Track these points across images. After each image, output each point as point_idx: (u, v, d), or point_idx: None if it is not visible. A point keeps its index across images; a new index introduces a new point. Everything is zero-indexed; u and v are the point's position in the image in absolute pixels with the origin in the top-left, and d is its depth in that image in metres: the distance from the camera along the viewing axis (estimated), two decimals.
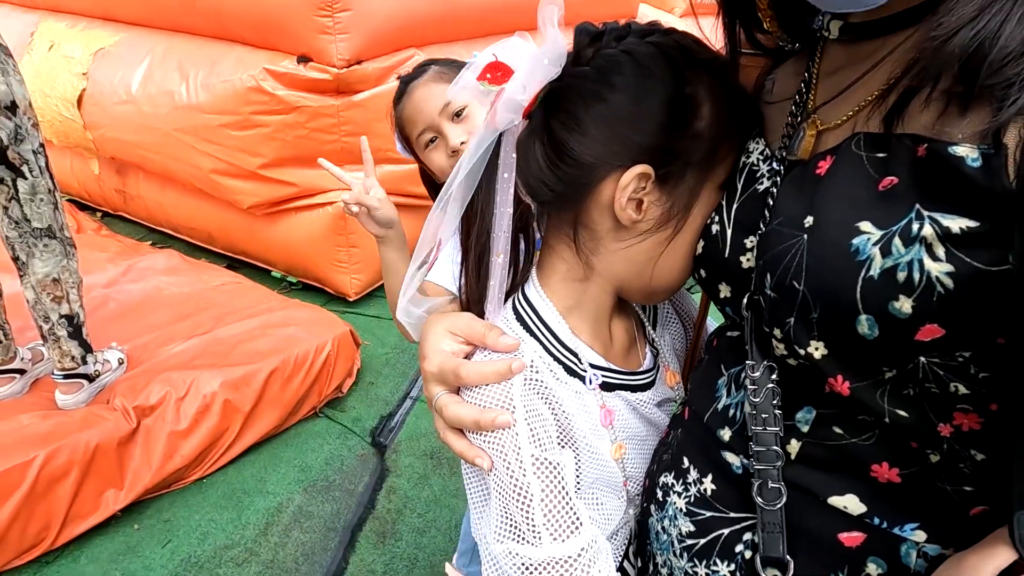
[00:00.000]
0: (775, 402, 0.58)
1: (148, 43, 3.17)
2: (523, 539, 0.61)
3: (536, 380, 0.65)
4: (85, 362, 2.07)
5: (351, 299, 3.07)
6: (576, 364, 0.71)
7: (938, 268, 0.45)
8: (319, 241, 2.95)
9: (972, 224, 0.44)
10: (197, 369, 2.19)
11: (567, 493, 0.63)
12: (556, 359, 0.69)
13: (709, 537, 0.63)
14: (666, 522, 0.68)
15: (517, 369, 0.62)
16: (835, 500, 0.56)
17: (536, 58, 0.63)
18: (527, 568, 0.60)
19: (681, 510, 0.66)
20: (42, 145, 1.92)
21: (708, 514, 0.64)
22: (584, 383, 0.71)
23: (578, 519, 0.62)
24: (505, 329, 0.70)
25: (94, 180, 3.70)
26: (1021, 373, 0.44)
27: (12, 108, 1.80)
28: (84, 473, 1.89)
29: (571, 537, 0.61)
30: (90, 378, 2.09)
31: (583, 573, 0.61)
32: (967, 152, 0.44)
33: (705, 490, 0.64)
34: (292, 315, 2.57)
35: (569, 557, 0.60)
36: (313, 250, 3.00)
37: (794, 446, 0.58)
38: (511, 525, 0.62)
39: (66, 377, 2.05)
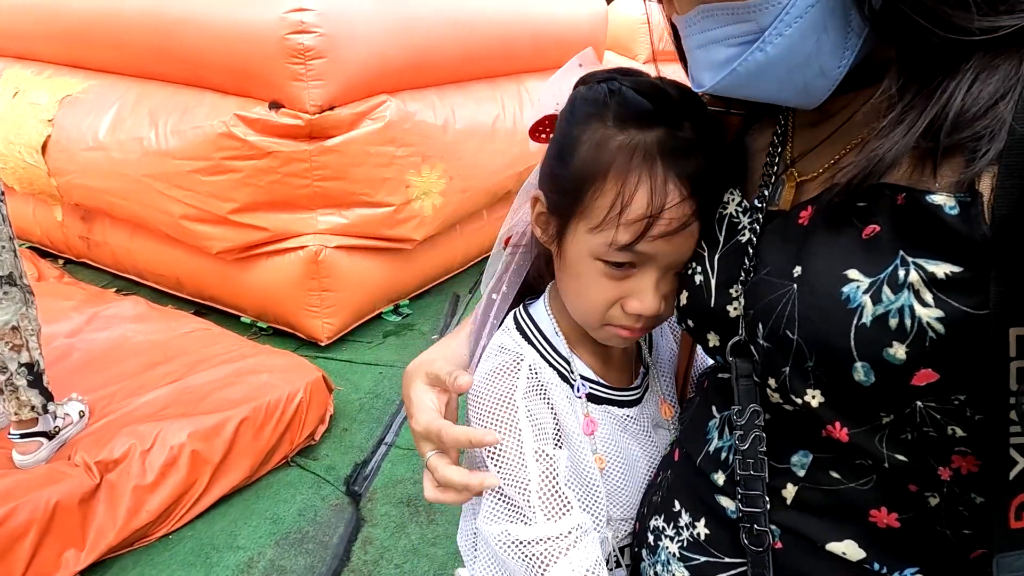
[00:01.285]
0: (761, 448, 0.59)
1: (118, 90, 3.16)
2: (518, 519, 0.68)
3: (538, 382, 0.73)
4: (46, 410, 2.01)
5: (323, 344, 3.03)
6: (568, 372, 0.76)
7: (928, 313, 0.46)
8: (291, 285, 2.93)
9: (956, 269, 0.45)
10: (165, 420, 2.13)
11: (560, 481, 0.69)
12: (550, 365, 0.76)
13: None
14: (659, 567, 0.67)
15: (491, 441, 0.68)
16: (833, 546, 0.55)
17: (546, 93, 0.75)
18: (520, 543, 0.66)
19: (674, 555, 0.65)
20: (2, 194, 1.93)
21: (702, 559, 0.63)
22: (573, 390, 0.76)
23: (569, 503, 0.69)
24: (506, 337, 0.79)
25: (57, 227, 3.63)
26: (995, 417, 0.45)
27: None
28: (43, 533, 1.80)
29: (563, 518, 0.68)
30: (49, 435, 2.02)
31: (571, 548, 0.66)
32: (944, 200, 0.46)
33: (699, 534, 0.64)
34: (264, 361, 2.52)
35: (560, 535, 0.66)
36: (284, 294, 2.96)
37: (790, 491, 0.58)
38: (508, 507, 0.69)
39: (23, 436, 1.97)
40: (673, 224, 0.62)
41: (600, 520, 0.73)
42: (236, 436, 2.17)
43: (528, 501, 0.67)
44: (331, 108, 2.67)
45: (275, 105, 2.65)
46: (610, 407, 0.77)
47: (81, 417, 2.15)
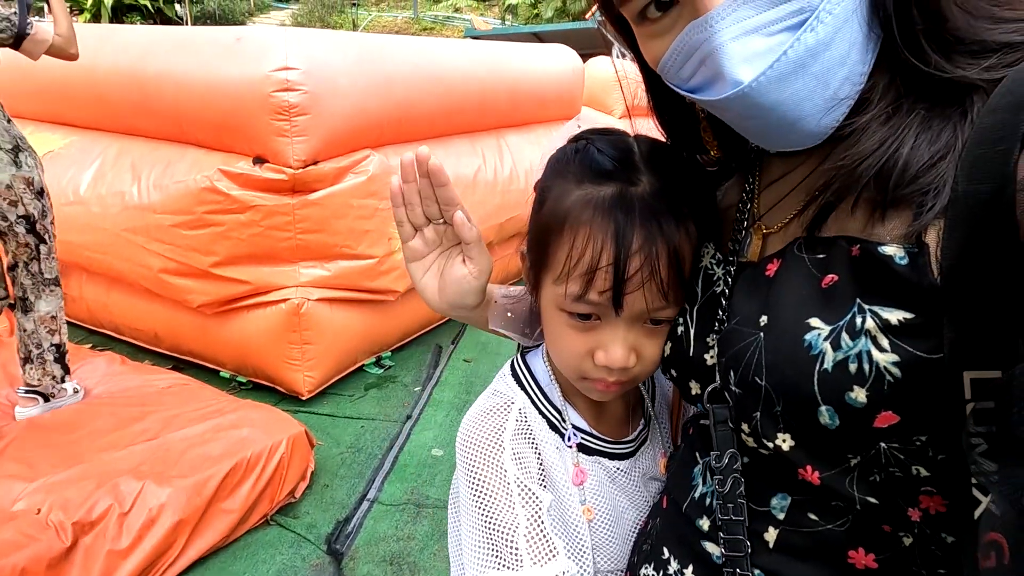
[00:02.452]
0: (740, 491, 0.60)
1: (100, 145, 3.18)
2: (504, 565, 0.67)
3: (526, 426, 0.74)
4: (63, 381, 2.57)
5: (304, 397, 2.99)
6: (559, 422, 0.77)
7: (885, 358, 0.48)
8: (271, 338, 2.90)
9: (908, 316, 0.47)
10: (144, 478, 2.06)
11: (546, 525, 0.69)
12: (541, 413, 0.77)
13: None
14: None
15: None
16: None
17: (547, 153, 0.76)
18: None
19: None
20: (54, 218, 2.54)
21: None
22: (563, 440, 0.76)
23: (555, 548, 0.68)
24: (501, 383, 0.81)
25: None
26: (956, 457, 0.47)
27: (41, 193, 2.45)
28: None
29: (549, 563, 0.67)
30: (46, 397, 2.52)
31: None
32: (895, 251, 0.49)
33: None
34: (244, 416, 2.47)
35: None
36: (265, 348, 2.93)
37: (772, 534, 0.59)
38: (493, 554, 0.68)
39: (28, 393, 2.51)
40: (625, 276, 0.63)
41: (587, 571, 0.73)
42: (215, 494, 2.11)
43: (515, 545, 0.67)
44: (315, 163, 2.71)
45: (259, 160, 2.68)
46: (601, 458, 0.78)
47: (76, 393, 2.62)
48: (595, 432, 0.78)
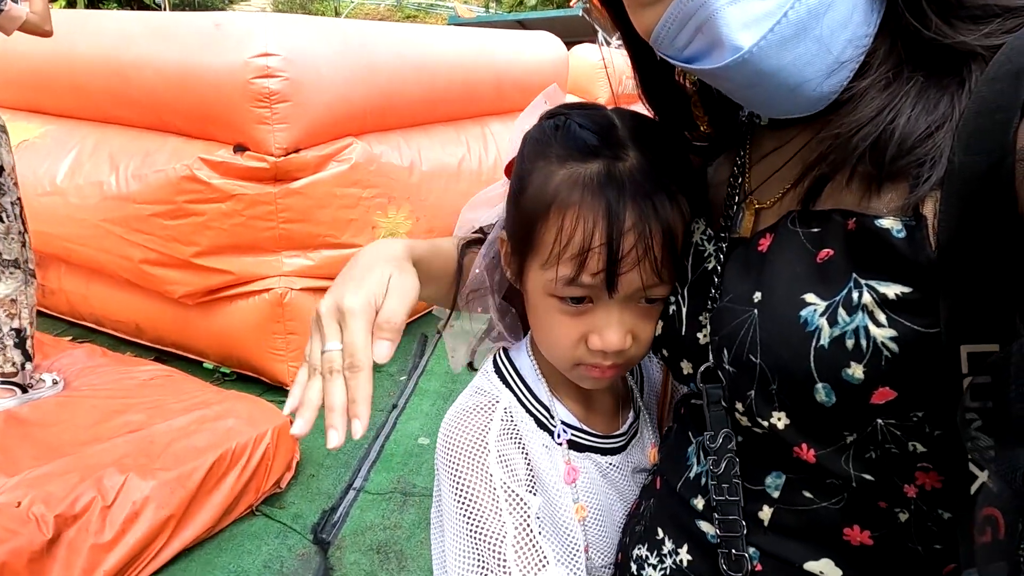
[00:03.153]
0: (735, 471, 0.60)
1: (77, 135, 3.12)
2: (493, 570, 0.64)
3: (512, 426, 0.71)
4: (24, 368, 2.51)
5: (289, 388, 2.96)
6: (547, 419, 0.74)
7: (882, 333, 0.47)
8: (255, 329, 2.87)
9: (905, 290, 0.47)
10: (127, 471, 2.04)
11: (535, 532, 0.66)
12: (528, 411, 0.74)
13: None
14: None
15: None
16: (811, 565, 0.56)
17: (515, 132, 0.74)
18: None
19: None
20: (19, 199, 2.50)
21: None
22: (552, 437, 0.73)
23: (545, 558, 0.65)
24: (484, 380, 0.77)
25: None
26: (953, 432, 0.47)
27: (0, 170, 2.41)
28: None
29: (539, 573, 0.65)
30: (24, 388, 2.50)
31: None
32: (891, 224, 0.48)
33: (681, 561, 0.64)
34: (228, 407, 2.45)
35: None
36: (249, 338, 2.91)
37: (766, 512, 0.59)
38: (479, 564, 0.65)
39: (2, 383, 2.47)
40: (619, 256, 0.61)
41: (579, 570, 0.71)
42: (200, 486, 2.10)
43: (502, 555, 0.64)
44: (296, 151, 2.67)
45: (240, 148, 2.65)
46: (592, 454, 0.75)
47: (55, 384, 2.60)
48: (585, 427, 0.76)
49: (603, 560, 0.75)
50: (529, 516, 0.67)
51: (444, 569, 0.77)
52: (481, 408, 0.73)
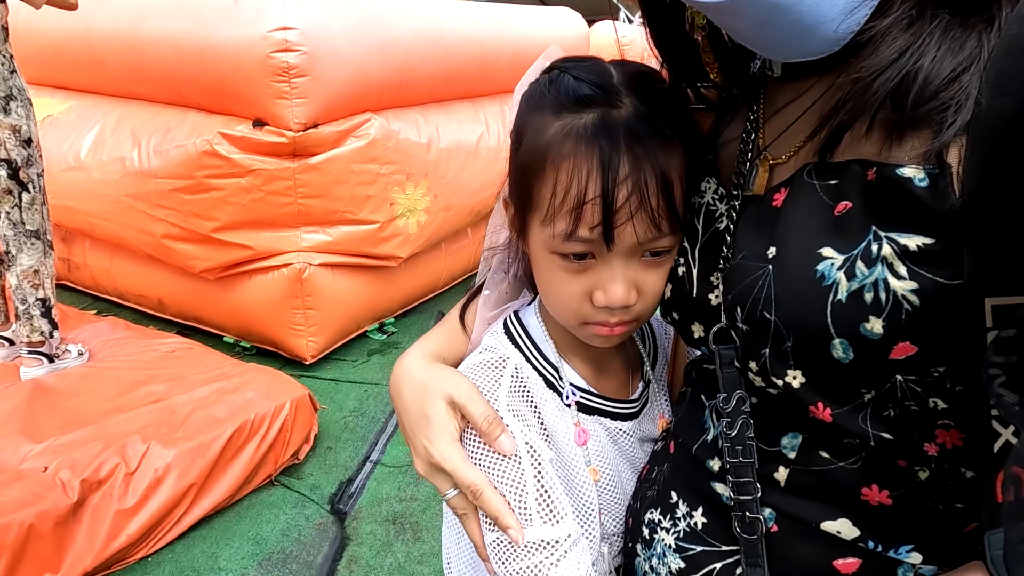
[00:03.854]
0: (749, 433, 0.59)
1: (100, 110, 3.15)
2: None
3: (522, 385, 0.70)
4: (52, 336, 2.56)
5: (308, 362, 3.00)
6: (556, 380, 0.73)
7: (902, 286, 0.46)
8: (275, 304, 2.91)
9: (927, 241, 0.45)
10: (150, 439, 2.09)
11: (555, 481, 0.67)
12: (537, 371, 0.73)
13: (700, 573, 0.62)
14: (655, 560, 0.67)
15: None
16: (828, 525, 0.55)
17: (517, 94, 0.72)
18: (514, 550, 0.64)
19: (670, 547, 0.65)
20: (43, 171, 2.56)
21: (698, 548, 0.63)
22: (561, 398, 0.72)
23: (564, 507, 0.66)
24: (493, 340, 0.75)
25: None
26: (976, 388, 0.46)
27: (28, 142, 2.47)
28: (16, 558, 1.75)
29: (559, 523, 0.65)
30: (51, 358, 2.55)
31: (563, 558, 0.64)
32: (914, 173, 0.46)
33: (695, 523, 0.63)
34: (249, 379, 2.48)
35: (555, 541, 0.64)
36: (268, 313, 2.94)
37: (782, 473, 0.58)
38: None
39: (30, 353, 2.54)
40: (615, 207, 0.59)
41: (594, 533, 0.71)
42: (220, 455, 2.14)
43: (525, 504, 0.65)
44: (315, 126, 2.68)
45: (259, 123, 2.66)
46: (602, 418, 0.74)
47: (80, 355, 2.63)
48: (594, 390, 0.75)
49: (614, 527, 0.75)
50: (547, 467, 0.67)
51: (456, 541, 0.77)
52: (491, 364, 0.72)
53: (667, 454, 0.72)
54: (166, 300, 3.26)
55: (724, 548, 0.61)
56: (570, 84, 0.63)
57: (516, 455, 0.67)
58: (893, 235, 0.47)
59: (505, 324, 0.78)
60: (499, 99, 3.90)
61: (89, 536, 1.88)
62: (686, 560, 0.63)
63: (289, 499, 2.27)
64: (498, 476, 0.66)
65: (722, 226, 0.63)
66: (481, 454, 0.68)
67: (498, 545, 0.65)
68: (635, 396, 0.78)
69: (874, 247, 0.47)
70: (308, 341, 2.96)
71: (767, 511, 0.58)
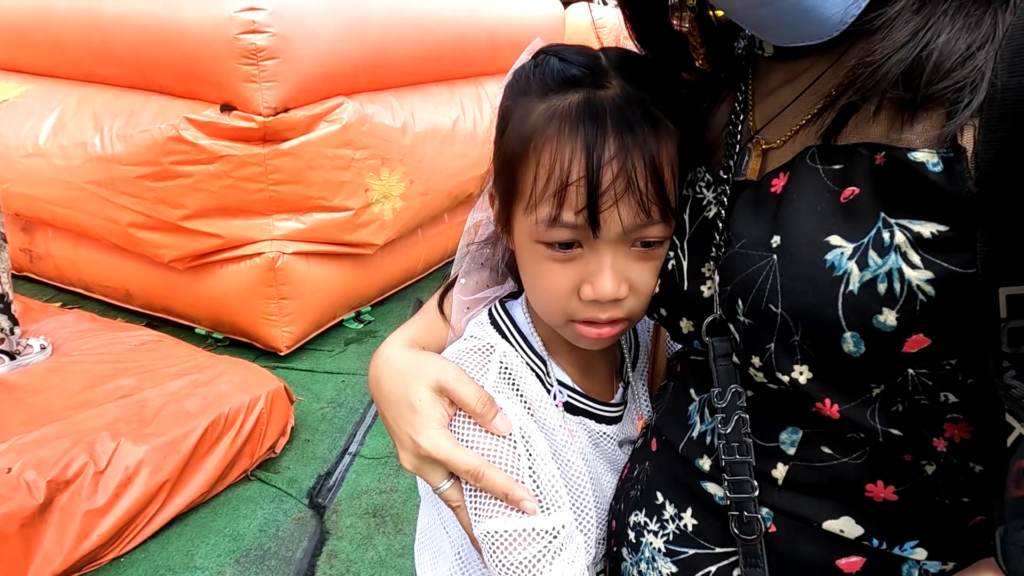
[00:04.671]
0: (745, 430, 0.56)
1: (59, 93, 3.02)
2: (507, 511, 0.61)
3: (509, 374, 0.67)
4: (12, 332, 2.46)
5: (283, 353, 2.94)
6: (543, 375, 0.70)
7: (918, 276, 0.44)
8: (247, 294, 2.83)
9: (941, 228, 0.43)
10: (120, 436, 2.02)
11: (549, 470, 0.63)
12: (525, 363, 0.70)
13: None
14: (643, 565, 0.64)
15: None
16: (830, 524, 0.53)
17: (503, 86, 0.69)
18: (505, 538, 0.60)
19: (660, 550, 0.62)
20: None
21: (691, 551, 0.60)
22: (549, 396, 0.70)
23: (560, 497, 0.63)
24: (478, 329, 0.72)
25: None
26: (989, 383, 0.44)
27: None
28: None
29: (554, 513, 0.62)
30: (11, 356, 2.43)
31: (558, 554, 0.60)
32: (927, 157, 0.44)
33: (685, 526, 0.61)
34: (222, 371, 2.42)
35: (549, 531, 0.60)
36: (241, 304, 2.87)
37: (780, 470, 0.56)
38: (493, 499, 0.61)
39: None
40: (600, 190, 0.56)
41: (589, 529, 0.68)
42: (194, 451, 2.08)
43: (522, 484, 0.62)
44: (286, 110, 2.60)
45: (227, 107, 2.57)
46: (587, 420, 0.72)
47: (43, 350, 2.51)
48: (580, 389, 0.72)
49: (598, 533, 0.72)
50: (536, 453, 0.64)
51: (433, 511, 0.74)
52: (478, 350, 0.69)
53: (649, 451, 0.69)
54: (134, 291, 3.17)
55: (719, 550, 0.59)
56: (556, 66, 0.61)
57: (511, 436, 0.63)
58: (904, 222, 0.45)
59: (491, 314, 0.74)
60: (475, 82, 3.83)
61: (57, 537, 1.82)
62: (678, 564, 0.61)
63: (266, 494, 2.23)
64: (493, 461, 0.63)
65: (711, 214, 0.60)
66: (474, 439, 0.64)
67: (490, 536, 0.61)
68: (616, 399, 0.75)
69: (885, 235, 0.45)
70: (283, 331, 2.90)
71: (764, 510, 0.56)
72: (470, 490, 0.63)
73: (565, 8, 5.19)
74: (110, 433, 2.04)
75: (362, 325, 3.32)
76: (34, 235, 3.33)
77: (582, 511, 0.68)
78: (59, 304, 3.22)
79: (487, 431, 0.63)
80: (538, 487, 0.62)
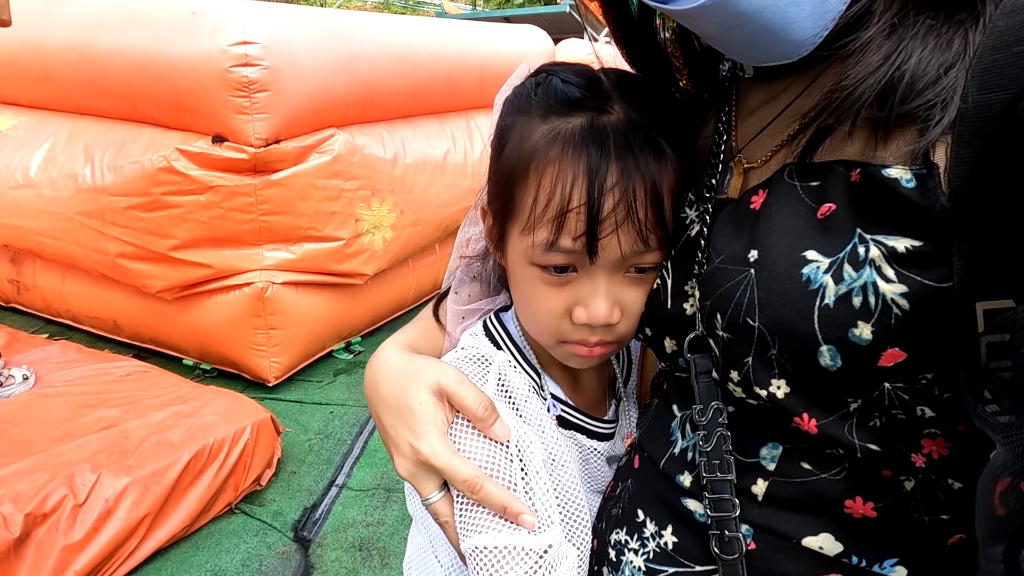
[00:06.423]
0: (726, 447, 0.56)
1: (51, 125, 3.04)
2: (495, 528, 0.59)
3: (504, 390, 0.66)
4: None
5: (271, 384, 2.91)
6: (537, 388, 0.69)
7: (892, 289, 0.44)
8: (236, 324, 2.82)
9: (916, 243, 0.44)
10: (100, 468, 1.98)
11: (543, 485, 0.61)
12: (522, 375, 0.69)
13: None
14: None
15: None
16: (809, 541, 0.53)
17: (499, 100, 0.69)
18: (495, 555, 0.58)
19: (640, 569, 0.61)
20: None
21: (671, 570, 0.59)
22: (544, 408, 0.69)
23: (551, 515, 0.61)
24: (473, 339, 0.71)
25: None
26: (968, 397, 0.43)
27: None
28: None
29: (545, 530, 0.60)
30: None
31: (548, 572, 0.58)
32: (900, 174, 0.44)
33: (666, 543, 0.60)
34: (207, 402, 2.39)
35: (537, 549, 0.58)
36: (229, 334, 2.85)
37: (760, 486, 0.55)
38: (484, 514, 0.59)
39: None
40: (600, 217, 0.56)
41: (584, 545, 0.67)
42: (176, 483, 2.04)
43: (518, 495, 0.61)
44: (277, 141, 2.62)
45: (218, 139, 2.59)
46: (578, 435, 0.71)
47: (25, 380, 2.48)
48: (572, 403, 0.72)
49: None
50: (531, 467, 0.62)
51: (427, 549, 0.73)
52: (476, 359, 0.67)
53: (632, 469, 0.68)
54: (121, 322, 3.14)
55: (698, 568, 0.58)
56: (558, 87, 0.61)
57: (508, 448, 0.62)
58: (880, 237, 0.45)
59: (486, 327, 0.74)
60: (466, 115, 3.88)
61: (32, 573, 1.77)
62: None
63: (250, 527, 2.18)
64: (489, 472, 0.61)
65: (695, 231, 0.60)
66: (471, 448, 0.62)
67: (479, 552, 0.59)
68: (609, 416, 0.75)
69: (860, 249, 0.45)
70: (271, 362, 2.88)
71: (744, 527, 0.55)
72: (461, 502, 0.61)
73: (556, 44, 5.29)
74: (91, 465, 2.00)
75: (352, 356, 3.29)
76: (22, 266, 3.32)
77: (577, 526, 0.67)
78: (46, 335, 3.19)
79: (487, 437, 0.62)
80: (532, 502, 0.61)
